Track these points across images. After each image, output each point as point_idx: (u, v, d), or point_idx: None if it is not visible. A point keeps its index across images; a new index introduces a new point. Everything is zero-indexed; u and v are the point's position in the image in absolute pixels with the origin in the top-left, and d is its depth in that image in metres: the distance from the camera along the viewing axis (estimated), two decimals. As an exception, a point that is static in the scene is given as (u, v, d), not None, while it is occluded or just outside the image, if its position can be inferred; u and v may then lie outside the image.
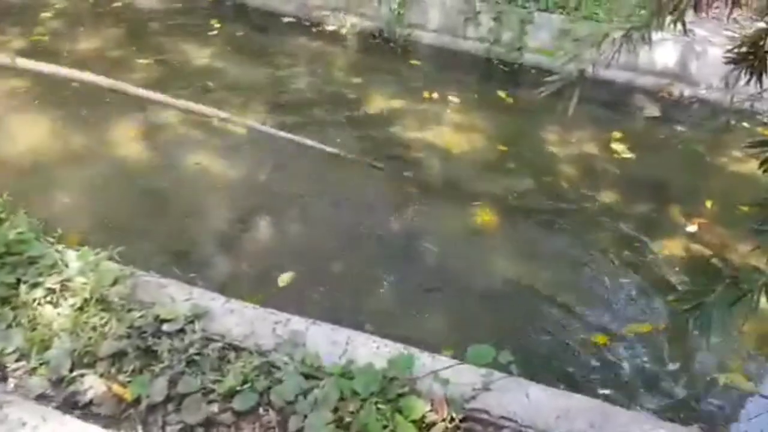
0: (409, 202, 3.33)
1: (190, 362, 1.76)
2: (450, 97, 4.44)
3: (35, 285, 1.93)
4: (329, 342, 1.83)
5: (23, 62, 3.22)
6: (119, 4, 5.57)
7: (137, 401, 1.67)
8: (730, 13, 4.77)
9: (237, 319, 1.91)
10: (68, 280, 1.95)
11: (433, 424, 1.62)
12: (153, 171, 3.40)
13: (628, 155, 3.96)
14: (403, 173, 3.57)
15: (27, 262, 1.99)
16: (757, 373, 2.51)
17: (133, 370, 1.74)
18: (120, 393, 1.69)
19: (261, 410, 1.67)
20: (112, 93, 4.05)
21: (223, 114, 3.52)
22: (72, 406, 1.65)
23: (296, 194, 3.32)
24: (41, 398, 1.67)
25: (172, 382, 1.71)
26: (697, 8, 1.27)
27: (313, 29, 5.39)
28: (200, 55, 4.73)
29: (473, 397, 1.68)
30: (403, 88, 4.53)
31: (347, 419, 1.61)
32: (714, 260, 3.05)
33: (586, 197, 3.51)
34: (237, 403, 1.67)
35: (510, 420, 1.65)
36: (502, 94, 4.57)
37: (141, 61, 4.52)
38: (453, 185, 3.52)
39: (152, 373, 1.73)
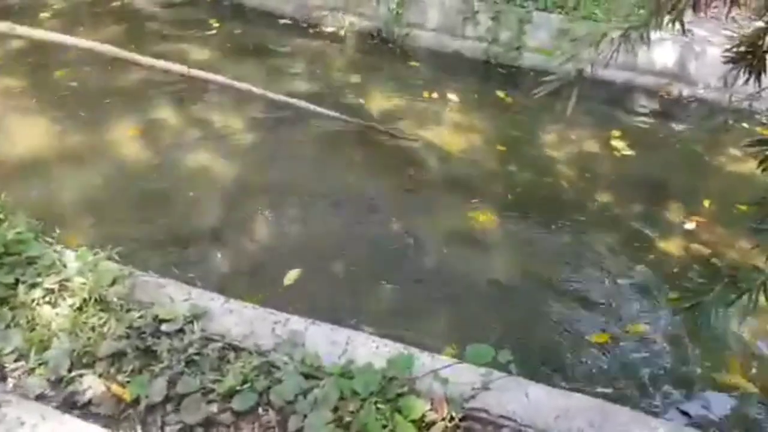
0: (408, 200, 3.33)
1: (189, 362, 1.77)
2: (449, 97, 4.44)
3: (34, 285, 1.93)
4: (329, 342, 1.83)
5: (23, 30, 3.16)
6: (117, 3, 5.57)
7: (136, 401, 1.67)
8: (729, 12, 4.77)
9: (236, 319, 1.91)
10: (67, 280, 1.95)
11: (433, 423, 1.62)
12: (152, 170, 3.40)
13: (627, 154, 3.96)
14: (402, 172, 3.58)
15: (25, 262, 1.99)
16: (756, 373, 2.51)
17: (132, 370, 1.74)
18: (119, 393, 1.69)
19: (260, 410, 1.67)
20: (111, 94, 4.06)
21: (224, 79, 3.53)
22: (71, 406, 1.65)
23: (295, 192, 3.32)
24: (40, 398, 1.66)
25: (172, 382, 1.71)
26: (695, 8, 1.27)
27: (311, 29, 5.39)
28: (199, 55, 4.72)
29: (473, 397, 1.68)
30: (401, 87, 4.52)
31: (347, 419, 1.61)
32: (713, 259, 3.05)
33: (584, 196, 3.51)
34: (236, 403, 1.67)
35: (509, 419, 1.65)
36: (500, 93, 4.57)
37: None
38: (452, 184, 3.52)
39: (151, 373, 1.73)
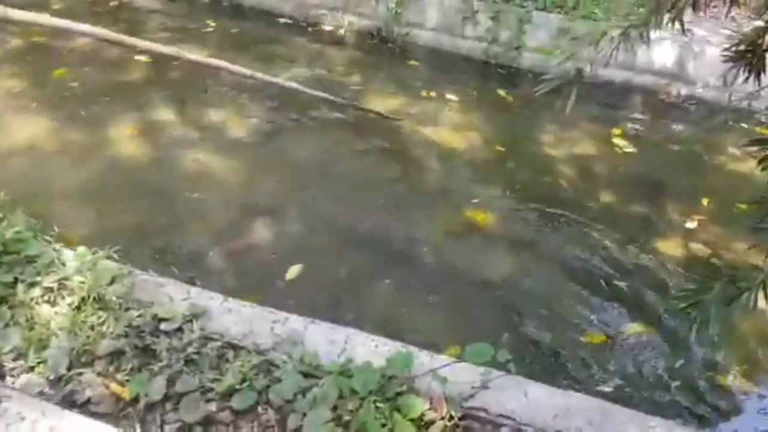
0: (407, 199, 3.33)
1: (188, 361, 1.76)
2: (448, 96, 4.44)
3: (33, 284, 1.93)
4: (328, 341, 1.83)
5: (18, 14, 3.14)
6: (116, 3, 5.56)
7: (135, 400, 1.67)
8: (728, 12, 4.78)
9: (235, 317, 1.91)
10: (66, 278, 1.95)
11: (432, 422, 1.62)
12: (151, 168, 3.39)
13: (627, 152, 3.96)
14: (401, 171, 3.57)
15: (24, 261, 1.98)
16: (754, 372, 2.51)
17: (131, 369, 1.74)
18: (118, 392, 1.69)
19: (260, 409, 1.67)
20: (110, 91, 4.06)
21: (225, 64, 3.54)
22: (70, 404, 1.64)
23: (293, 190, 3.32)
24: (39, 397, 1.66)
25: (171, 381, 1.70)
26: (695, 7, 1.27)
27: (310, 28, 5.38)
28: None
29: (472, 396, 1.68)
30: (401, 86, 4.52)
31: (346, 418, 1.61)
32: (713, 258, 3.05)
33: (584, 195, 3.51)
34: (236, 402, 1.67)
35: (508, 418, 1.65)
36: (500, 93, 4.57)
37: (137, 58, 4.51)
38: (451, 183, 3.52)
39: (150, 372, 1.73)
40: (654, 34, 1.27)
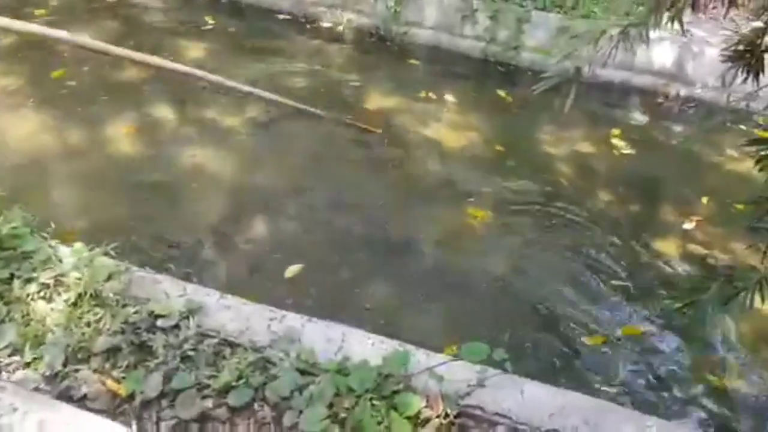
0: (405, 197, 3.33)
1: (184, 358, 1.76)
2: (447, 96, 4.43)
3: (29, 280, 1.92)
4: (325, 338, 1.83)
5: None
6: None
7: (131, 396, 1.66)
8: (727, 13, 4.78)
9: (232, 314, 1.90)
10: (62, 275, 1.94)
11: (428, 420, 1.62)
12: (148, 166, 3.39)
13: (625, 153, 3.97)
14: (399, 170, 3.57)
15: (21, 257, 1.98)
16: (749, 372, 2.52)
17: (127, 366, 1.74)
18: (114, 388, 1.69)
19: (256, 406, 1.67)
20: (108, 90, 4.05)
21: (209, 75, 3.44)
22: (66, 400, 1.64)
23: (292, 188, 3.31)
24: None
25: (167, 378, 1.70)
26: (695, 7, 1.27)
27: (308, 26, 5.37)
28: (194, 51, 4.71)
29: (468, 394, 1.68)
30: (399, 85, 4.51)
31: (342, 415, 1.61)
32: (710, 258, 3.06)
33: (582, 195, 3.51)
34: (232, 399, 1.67)
35: (504, 416, 1.65)
36: (499, 92, 4.57)
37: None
38: (449, 182, 3.52)
39: (147, 369, 1.73)
40: (653, 35, 1.27)
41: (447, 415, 1.63)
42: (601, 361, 2.50)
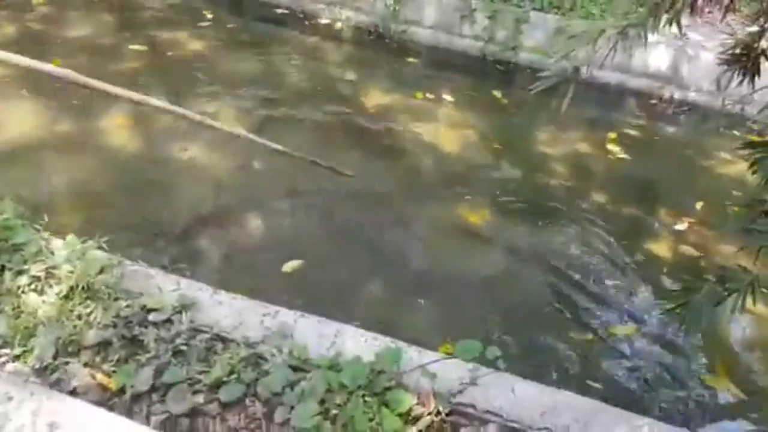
0: (402, 196, 3.33)
1: (176, 352, 1.75)
2: (444, 95, 4.43)
3: (20, 272, 1.91)
4: (317, 334, 1.83)
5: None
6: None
7: (122, 390, 1.66)
8: (724, 17, 4.80)
9: (225, 310, 1.90)
10: (54, 267, 1.93)
11: (419, 417, 1.62)
12: (141, 159, 3.36)
13: (621, 155, 3.98)
14: (397, 169, 3.57)
15: (12, 249, 1.96)
16: (743, 373, 2.53)
17: (118, 360, 1.73)
18: (105, 382, 1.68)
19: (247, 401, 1.67)
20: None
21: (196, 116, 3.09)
22: (55, 394, 1.63)
23: (290, 187, 3.30)
24: (24, 385, 1.65)
25: (158, 372, 1.69)
26: (693, 9, 1.28)
27: (307, 22, 5.36)
28: (192, 45, 4.69)
29: (460, 392, 1.69)
30: (397, 84, 4.51)
31: (334, 411, 1.60)
32: (703, 260, 3.08)
33: (576, 196, 3.53)
34: (223, 394, 1.66)
35: (496, 414, 1.66)
36: (496, 92, 4.57)
37: (132, 47, 4.48)
38: (446, 181, 3.52)
39: (138, 363, 1.72)
40: (650, 38, 1.27)
41: (438, 413, 1.63)
42: (592, 359, 2.51)
